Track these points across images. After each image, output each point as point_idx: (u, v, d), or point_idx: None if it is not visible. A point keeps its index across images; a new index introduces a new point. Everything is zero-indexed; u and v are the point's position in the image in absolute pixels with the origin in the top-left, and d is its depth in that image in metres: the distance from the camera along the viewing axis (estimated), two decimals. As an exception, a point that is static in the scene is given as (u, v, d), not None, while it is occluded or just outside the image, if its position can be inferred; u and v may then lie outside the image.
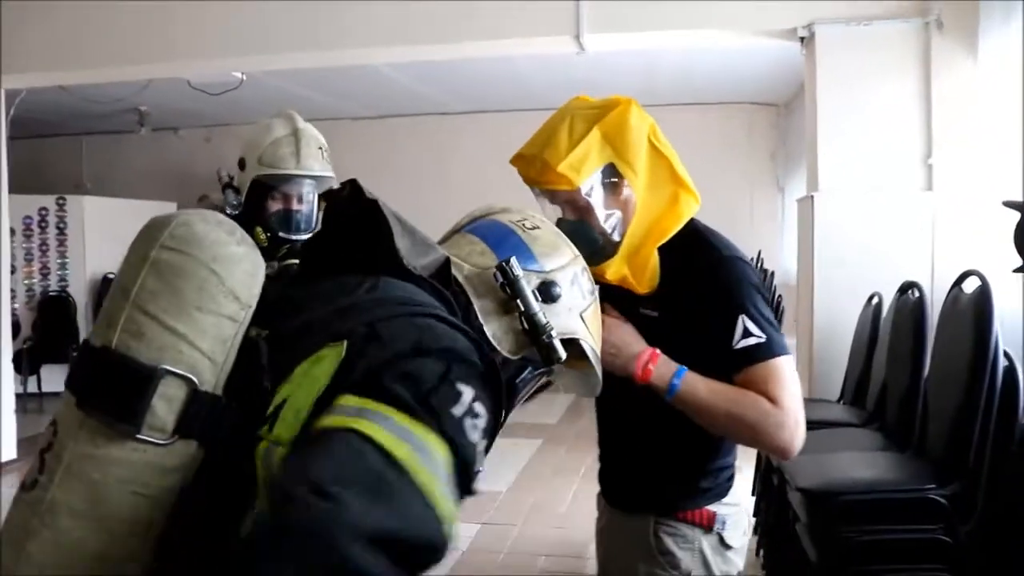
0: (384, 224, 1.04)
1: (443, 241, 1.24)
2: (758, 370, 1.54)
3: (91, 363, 0.90)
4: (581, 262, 1.26)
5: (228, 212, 2.21)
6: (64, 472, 0.86)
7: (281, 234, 2.29)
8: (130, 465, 0.87)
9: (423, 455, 0.82)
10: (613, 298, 1.72)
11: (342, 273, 1.05)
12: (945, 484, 2.33)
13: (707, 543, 1.68)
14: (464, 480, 0.87)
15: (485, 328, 1.12)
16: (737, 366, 1.55)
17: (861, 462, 2.67)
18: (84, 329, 8.55)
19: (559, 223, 1.66)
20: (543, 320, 1.12)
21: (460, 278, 1.14)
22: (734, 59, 7.00)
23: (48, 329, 8.40)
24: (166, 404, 0.87)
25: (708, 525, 1.68)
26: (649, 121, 1.66)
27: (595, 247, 1.63)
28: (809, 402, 4.00)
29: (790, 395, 1.53)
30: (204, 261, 0.91)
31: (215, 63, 5.68)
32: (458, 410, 0.88)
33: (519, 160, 1.66)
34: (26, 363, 8.10)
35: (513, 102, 9.05)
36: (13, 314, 6.59)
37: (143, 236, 0.94)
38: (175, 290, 0.90)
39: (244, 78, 7.03)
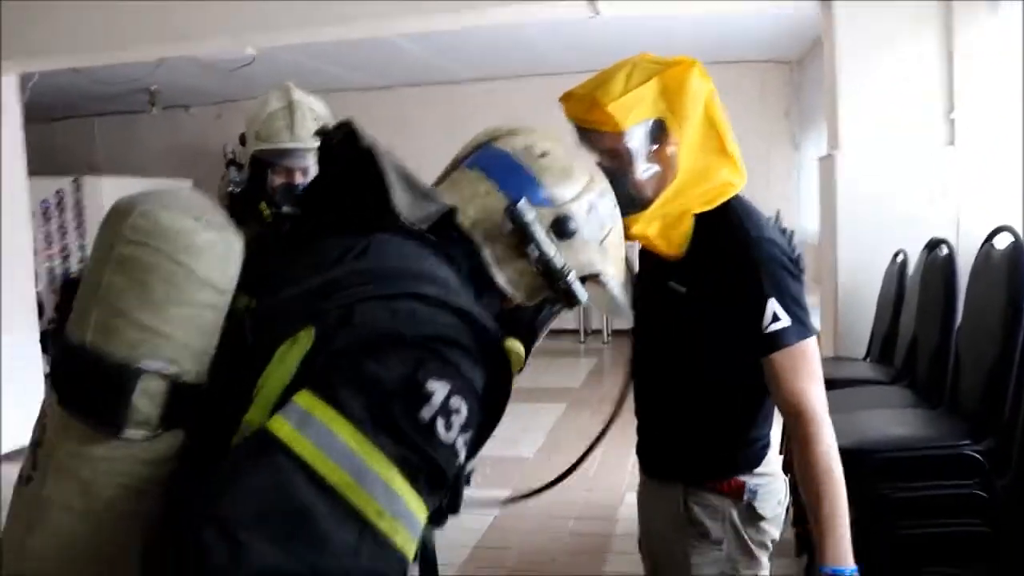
0: (379, 176, 0.98)
1: (445, 176, 1.16)
2: (785, 356, 1.55)
3: (68, 361, 0.88)
4: (598, 184, 1.16)
5: (232, 189, 2.25)
6: (55, 470, 0.85)
7: (284, 208, 2.28)
8: (118, 461, 0.85)
9: (364, 479, 0.77)
10: (645, 269, 1.74)
11: (338, 228, 1.00)
12: (980, 439, 2.35)
13: (736, 513, 1.68)
14: (437, 486, 0.83)
15: (497, 276, 1.05)
16: (765, 350, 1.56)
17: (893, 419, 2.69)
18: (106, 309, 8.61)
19: None
20: (559, 264, 1.04)
21: (466, 226, 1.05)
22: (746, 18, 6.94)
23: (71, 310, 8.45)
24: (148, 399, 0.85)
25: (738, 495, 1.68)
26: (709, 87, 1.64)
27: (626, 199, 1.56)
28: (835, 360, 4.07)
29: (814, 383, 1.56)
30: (169, 254, 0.87)
31: (227, 40, 5.65)
32: (426, 412, 0.82)
33: (569, 99, 1.64)
34: (52, 344, 8.18)
35: (524, 69, 9.02)
36: (36, 296, 6.65)
37: (106, 225, 0.91)
38: (143, 285, 0.86)
39: (256, 54, 7.01)
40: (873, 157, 4.25)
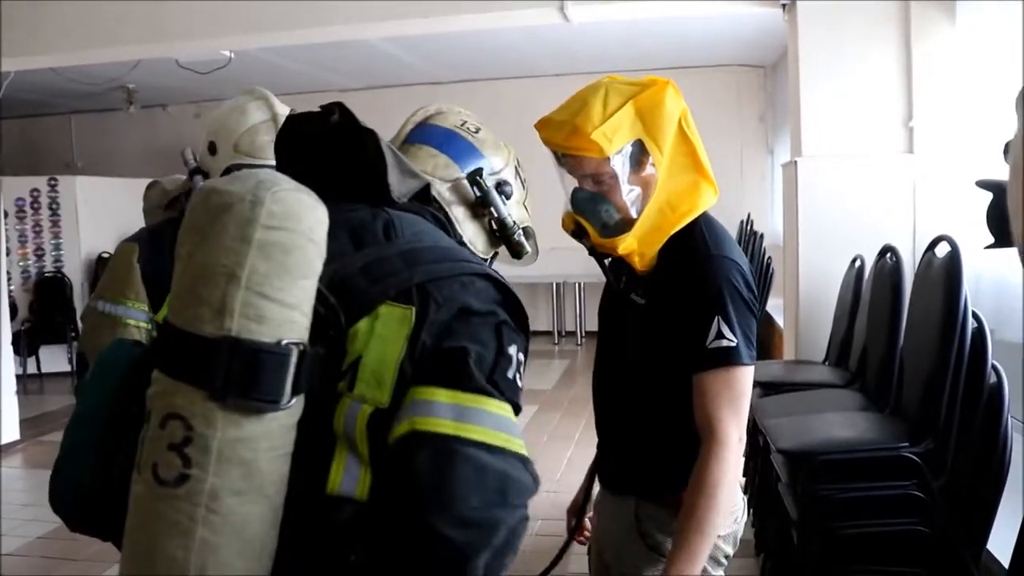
0: (378, 155, 1.13)
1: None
2: (720, 375, 1.58)
3: (212, 354, 0.90)
4: (513, 153, 1.44)
5: None
6: (217, 460, 0.89)
7: None
8: (272, 434, 0.92)
9: (509, 430, 0.98)
10: (609, 281, 1.79)
11: (329, 199, 1.07)
12: (918, 442, 2.42)
13: None
14: (516, 410, 1.03)
15: (462, 235, 1.31)
16: (703, 365, 1.58)
17: (840, 422, 2.76)
18: (80, 309, 8.59)
19: (575, 192, 1.71)
20: (511, 221, 1.35)
21: (435, 194, 1.28)
22: (719, 23, 7.01)
23: (45, 310, 8.47)
24: (290, 372, 0.92)
25: None
26: (682, 106, 1.67)
27: (611, 220, 1.67)
28: (795, 363, 4.15)
29: (735, 414, 1.58)
30: (304, 232, 0.94)
31: (204, 43, 5.69)
32: (511, 372, 1.02)
33: (546, 124, 1.67)
34: (24, 344, 8.18)
35: (503, 71, 9.07)
36: (10, 296, 6.65)
37: (227, 214, 0.92)
38: (285, 267, 0.92)
39: (232, 56, 7.03)
40: (834, 164, 4.33)
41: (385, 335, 0.97)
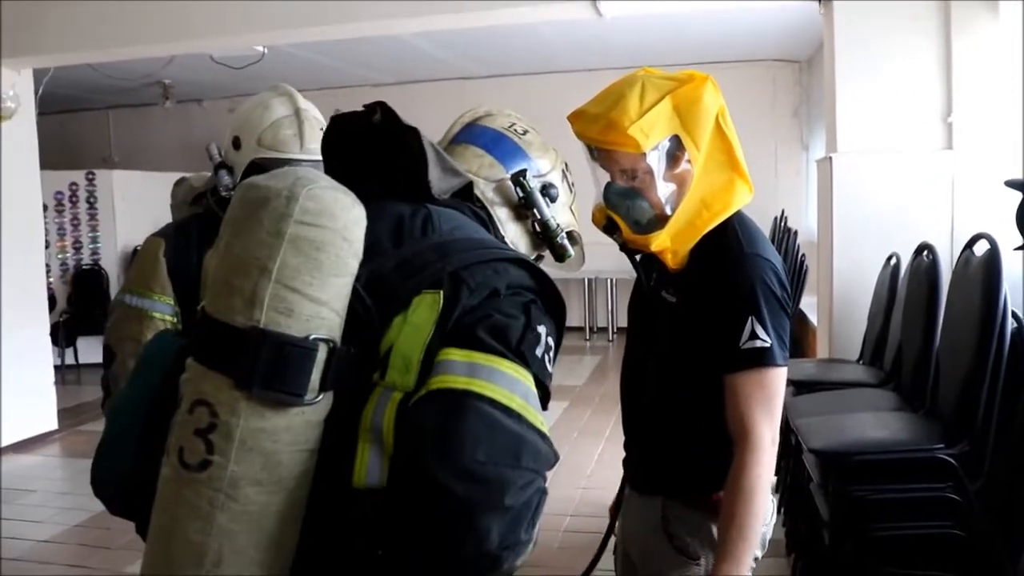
0: (419, 153, 1.13)
1: (443, 150, 1.29)
2: (752, 376, 1.55)
3: (240, 344, 0.92)
4: (560, 157, 1.44)
5: (223, 193, 2.14)
6: (239, 448, 0.91)
7: None
8: (295, 429, 0.93)
9: (528, 396, 0.98)
10: (639, 278, 1.77)
11: (372, 196, 1.09)
12: (954, 444, 2.38)
13: (716, 530, 1.63)
14: (543, 399, 1.03)
15: (504, 235, 1.29)
16: (736, 366, 1.56)
17: (874, 422, 2.72)
18: (117, 301, 8.73)
19: (608, 187, 1.68)
20: (554, 224, 1.33)
21: (478, 193, 1.28)
22: (753, 17, 6.94)
23: (83, 301, 8.59)
24: (316, 368, 0.93)
25: (717, 511, 1.63)
26: (720, 102, 1.64)
27: (644, 216, 1.65)
28: (829, 362, 4.11)
29: (768, 415, 1.55)
30: (339, 230, 0.95)
31: (237, 39, 5.72)
32: (539, 351, 1.02)
33: (580, 117, 1.64)
34: (63, 335, 8.29)
35: (534, 66, 9.06)
36: (48, 288, 6.76)
37: (263, 208, 0.94)
38: (316, 263, 0.94)
39: (266, 52, 7.08)
40: (870, 160, 4.28)
41: (416, 322, 0.98)
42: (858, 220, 4.25)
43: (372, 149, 1.18)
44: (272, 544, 0.93)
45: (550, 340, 1.05)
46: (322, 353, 0.93)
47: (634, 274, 1.80)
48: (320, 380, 0.93)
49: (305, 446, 0.94)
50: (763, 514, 1.57)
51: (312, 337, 0.92)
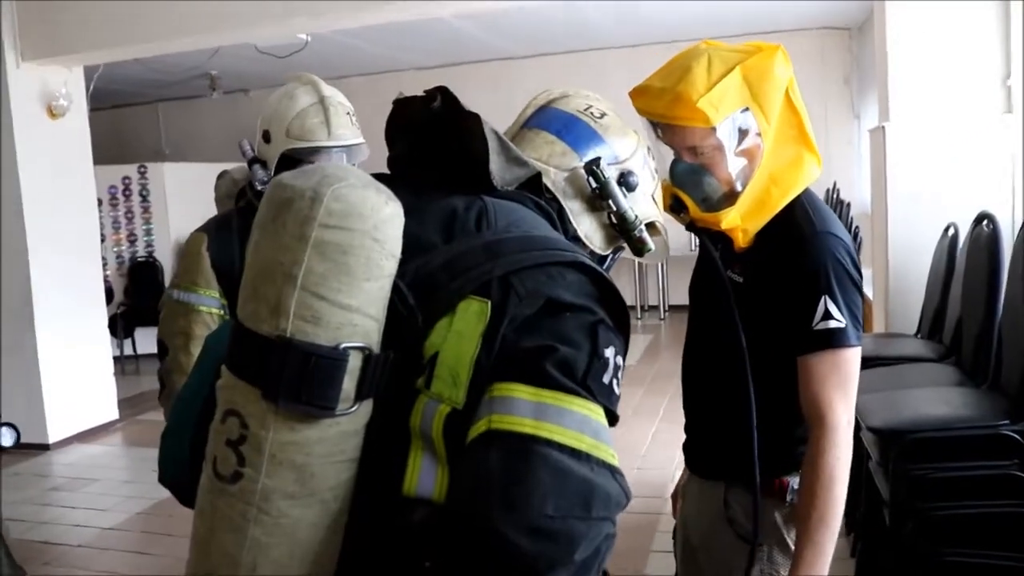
0: (481, 140, 1.05)
1: (513, 137, 1.24)
2: (827, 357, 1.51)
3: (266, 354, 0.88)
4: (643, 141, 1.31)
5: (258, 187, 2.17)
6: (269, 462, 0.87)
7: None
8: (328, 440, 0.88)
9: (599, 433, 0.90)
10: (706, 258, 1.72)
11: (437, 186, 1.05)
12: (1019, 419, 2.31)
13: (779, 514, 1.63)
14: (612, 424, 0.96)
15: (577, 229, 1.19)
16: (810, 347, 1.52)
17: (934, 398, 2.65)
18: (172, 291, 8.90)
19: (675, 164, 1.63)
20: (632, 215, 1.20)
21: (548, 183, 1.18)
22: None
23: (139, 293, 8.77)
24: (350, 377, 0.88)
25: (781, 496, 1.63)
26: (790, 74, 1.58)
27: (714, 193, 1.60)
28: (885, 336, 4.02)
29: (843, 395, 1.51)
30: (367, 232, 0.89)
31: (280, 27, 5.74)
32: (607, 377, 0.94)
33: (644, 93, 1.58)
34: (121, 327, 8.49)
35: (576, 44, 8.97)
36: (105, 281, 6.90)
37: (287, 210, 0.89)
38: (344, 268, 0.88)
39: (309, 39, 7.11)
40: (925, 127, 4.15)
41: (462, 331, 0.91)
42: (913, 190, 4.13)
43: (432, 136, 1.12)
44: (309, 556, 0.90)
45: (619, 360, 0.97)
46: (355, 361, 0.88)
47: (686, 251, 1.75)
48: (356, 389, 0.89)
49: (341, 456, 0.90)
50: (843, 499, 1.53)
51: (343, 346, 0.87)
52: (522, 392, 0.89)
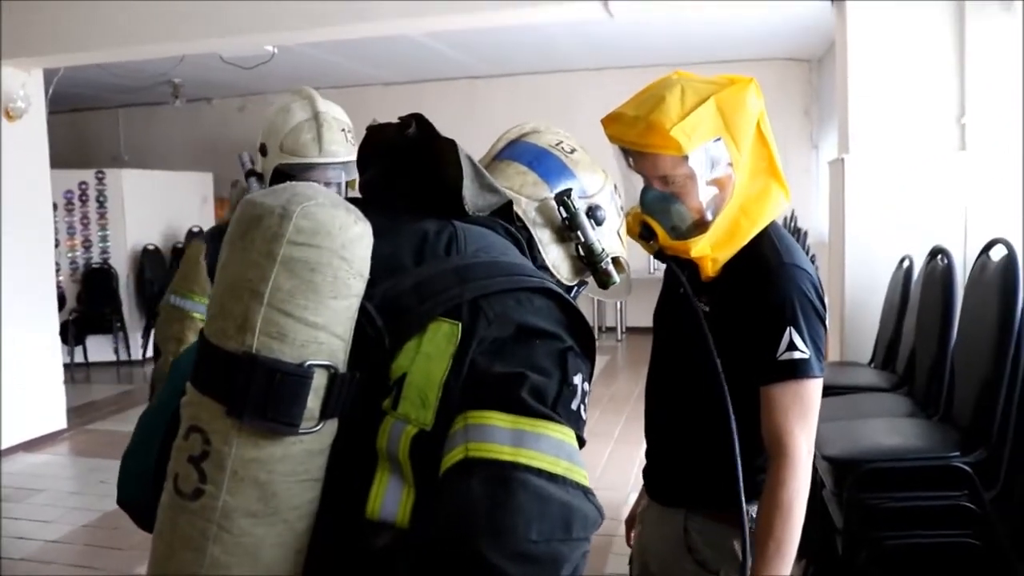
0: (455, 166, 1.06)
1: (485, 168, 1.24)
2: (790, 388, 1.52)
3: (231, 370, 0.88)
4: (610, 179, 1.34)
5: None
6: (231, 478, 0.87)
7: None
8: (292, 458, 0.88)
9: (572, 456, 0.92)
10: (672, 285, 1.73)
11: (408, 211, 1.06)
12: (970, 451, 2.35)
13: (737, 543, 1.62)
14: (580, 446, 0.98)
15: (545, 258, 1.21)
16: (773, 377, 1.53)
17: (888, 429, 2.69)
18: (126, 300, 8.79)
19: (645, 192, 1.64)
20: (600, 248, 1.23)
21: (519, 212, 1.19)
22: (764, 16, 6.92)
23: (92, 300, 8.61)
24: (314, 395, 0.88)
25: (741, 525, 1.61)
26: (761, 107, 1.61)
27: (684, 222, 1.61)
28: (840, 365, 4.07)
29: (804, 427, 1.53)
30: (335, 250, 0.90)
31: (247, 39, 5.71)
32: (575, 404, 0.95)
33: (616, 120, 1.59)
34: (72, 334, 8.32)
35: (543, 65, 9.04)
36: (58, 286, 6.77)
37: (256, 228, 0.90)
38: (311, 286, 0.88)
39: (275, 51, 7.07)
40: (883, 161, 4.23)
41: (431, 352, 0.92)
42: (870, 222, 4.21)
43: (407, 162, 1.13)
44: None
45: (586, 386, 0.99)
46: (320, 379, 0.88)
47: (644, 275, 1.77)
48: (320, 407, 0.89)
49: (305, 476, 0.90)
50: (799, 528, 1.54)
51: (308, 364, 0.88)
52: (498, 420, 0.89)
